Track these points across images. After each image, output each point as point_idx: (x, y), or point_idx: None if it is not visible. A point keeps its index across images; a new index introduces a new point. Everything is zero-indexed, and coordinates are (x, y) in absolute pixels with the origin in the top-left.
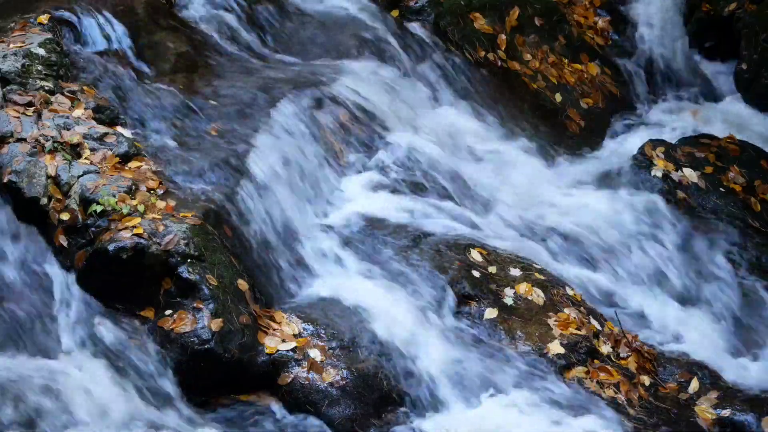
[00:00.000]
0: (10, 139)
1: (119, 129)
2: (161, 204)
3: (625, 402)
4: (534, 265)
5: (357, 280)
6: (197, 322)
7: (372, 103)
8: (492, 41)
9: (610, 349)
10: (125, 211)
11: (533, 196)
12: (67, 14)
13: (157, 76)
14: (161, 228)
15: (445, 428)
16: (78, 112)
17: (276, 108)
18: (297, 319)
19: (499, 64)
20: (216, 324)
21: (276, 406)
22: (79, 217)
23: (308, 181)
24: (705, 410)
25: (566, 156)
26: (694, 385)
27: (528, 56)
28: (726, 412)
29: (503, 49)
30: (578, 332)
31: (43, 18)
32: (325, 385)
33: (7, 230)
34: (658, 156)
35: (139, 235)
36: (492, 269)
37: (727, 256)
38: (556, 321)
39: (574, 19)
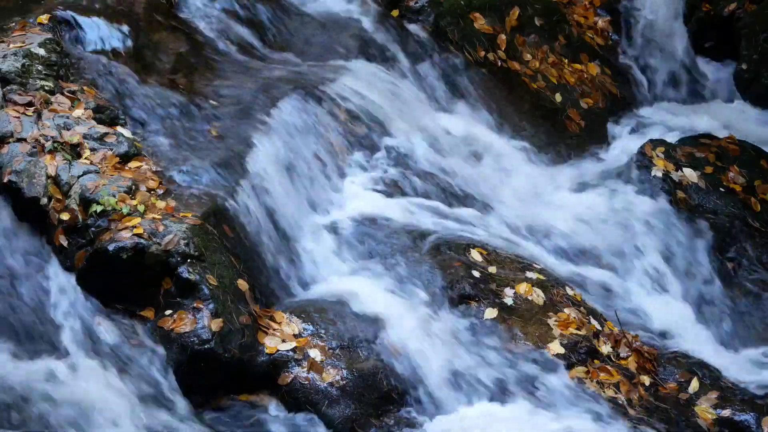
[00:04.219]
0: (10, 139)
1: (119, 129)
2: (161, 204)
3: (625, 402)
4: (534, 265)
5: (357, 280)
6: (197, 322)
7: (372, 103)
8: (492, 41)
9: (610, 349)
10: (125, 211)
11: (533, 196)
12: (67, 14)
13: (157, 76)
14: (161, 228)
15: (445, 428)
16: (78, 112)
17: (276, 108)
18: (297, 319)
19: (499, 64)
20: (216, 324)
21: (276, 406)
22: (79, 217)
23: (308, 181)
24: (705, 410)
25: (566, 156)
26: (694, 385)
27: (528, 56)
28: (726, 412)
29: (503, 49)
30: (578, 332)
31: (43, 18)
32: (325, 385)
33: (7, 230)
34: (658, 156)
35: (139, 235)
36: (492, 269)
37: (727, 256)
38: (556, 321)
39: (574, 19)
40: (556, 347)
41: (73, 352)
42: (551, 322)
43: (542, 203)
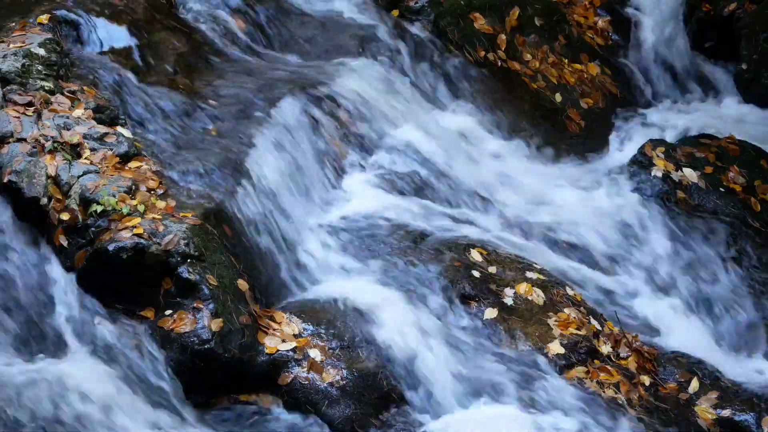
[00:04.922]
0: (10, 139)
1: (119, 129)
2: (161, 204)
3: (625, 402)
4: (534, 265)
5: (357, 280)
6: (197, 322)
7: (372, 103)
8: (492, 41)
9: (610, 349)
10: (125, 211)
11: (533, 196)
12: (67, 14)
13: (157, 76)
14: (161, 228)
15: (445, 428)
16: (78, 112)
17: (276, 108)
18: (297, 319)
19: (499, 64)
20: (216, 324)
21: (276, 406)
22: (79, 217)
23: (308, 180)
24: (705, 410)
25: (566, 156)
26: (694, 385)
27: (528, 56)
28: (726, 412)
29: (503, 49)
30: (578, 332)
31: (43, 18)
32: (325, 385)
33: (7, 230)
34: (658, 156)
35: (139, 235)
36: (492, 269)
37: (727, 256)
38: (556, 321)
39: (574, 19)
40: (556, 347)
41: (73, 352)
42: (551, 322)
43: (542, 203)
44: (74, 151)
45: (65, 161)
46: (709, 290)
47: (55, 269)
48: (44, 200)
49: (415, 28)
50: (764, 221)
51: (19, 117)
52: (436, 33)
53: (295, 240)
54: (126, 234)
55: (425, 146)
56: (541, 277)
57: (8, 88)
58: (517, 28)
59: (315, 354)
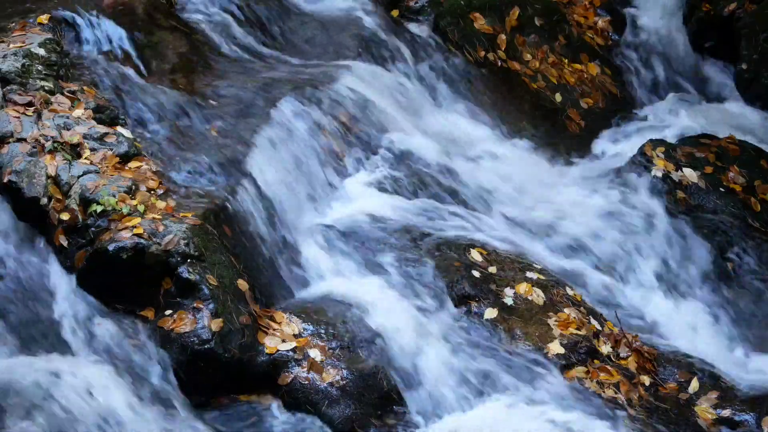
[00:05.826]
0: (10, 139)
1: (119, 129)
2: (161, 204)
3: (625, 402)
4: (534, 265)
5: (357, 280)
6: (197, 322)
7: (372, 103)
8: (492, 41)
9: (610, 349)
10: (125, 211)
11: (533, 196)
12: (67, 14)
13: (157, 76)
14: (161, 228)
15: (445, 428)
16: (78, 112)
17: (276, 108)
18: (297, 319)
19: (499, 64)
20: (216, 324)
21: (276, 406)
22: (79, 217)
23: (308, 180)
24: (705, 410)
25: (566, 156)
26: (694, 385)
27: (528, 56)
28: (726, 412)
29: (503, 49)
30: (578, 332)
31: (43, 18)
32: (325, 385)
33: (7, 230)
34: (658, 156)
35: (139, 235)
36: (492, 269)
37: (727, 256)
38: (556, 321)
39: (574, 19)
40: (556, 347)
41: (74, 352)
42: (551, 322)
43: (542, 203)
44: (74, 151)
45: (65, 161)
46: (709, 290)
47: (55, 269)
48: (44, 200)
49: (415, 28)
50: (764, 221)
51: (19, 117)
52: (436, 33)
53: (296, 240)
54: (126, 234)
55: (425, 146)
56: (541, 277)
57: (8, 88)
58: (517, 28)
59: (315, 354)
